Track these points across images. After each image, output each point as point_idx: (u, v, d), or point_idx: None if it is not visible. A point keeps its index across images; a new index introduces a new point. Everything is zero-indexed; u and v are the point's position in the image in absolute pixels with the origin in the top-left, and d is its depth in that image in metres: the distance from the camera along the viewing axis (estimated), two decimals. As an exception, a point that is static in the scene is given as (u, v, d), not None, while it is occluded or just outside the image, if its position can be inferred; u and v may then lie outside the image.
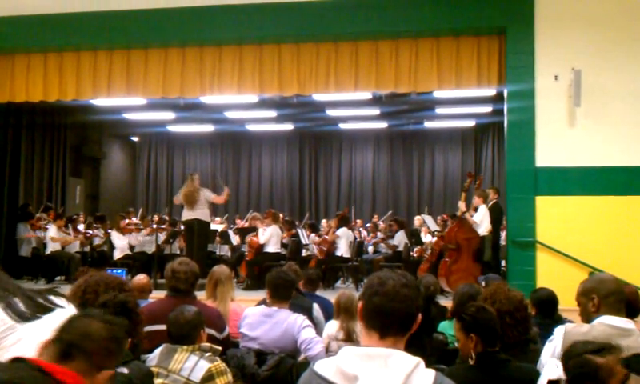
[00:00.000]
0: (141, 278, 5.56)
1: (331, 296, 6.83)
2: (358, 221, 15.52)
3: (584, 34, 8.69)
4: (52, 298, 2.47)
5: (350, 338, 4.25)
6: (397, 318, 1.97)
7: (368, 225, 15.03)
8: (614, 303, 3.00)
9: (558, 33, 8.77)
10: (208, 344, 3.28)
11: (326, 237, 11.55)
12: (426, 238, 12.32)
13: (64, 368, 1.78)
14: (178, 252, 12.12)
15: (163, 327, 3.47)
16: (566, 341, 2.88)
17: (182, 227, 11.11)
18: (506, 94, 9.11)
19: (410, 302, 1.99)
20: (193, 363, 3.08)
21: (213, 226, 11.74)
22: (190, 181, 10.44)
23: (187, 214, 10.26)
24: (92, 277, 2.85)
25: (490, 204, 9.88)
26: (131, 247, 11.81)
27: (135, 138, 20.32)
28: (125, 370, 2.55)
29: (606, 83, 8.57)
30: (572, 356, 2.38)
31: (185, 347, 3.16)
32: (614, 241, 8.42)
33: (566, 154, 8.69)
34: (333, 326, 4.55)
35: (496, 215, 9.59)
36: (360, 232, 13.87)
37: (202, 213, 10.22)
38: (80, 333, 1.87)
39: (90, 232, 12.36)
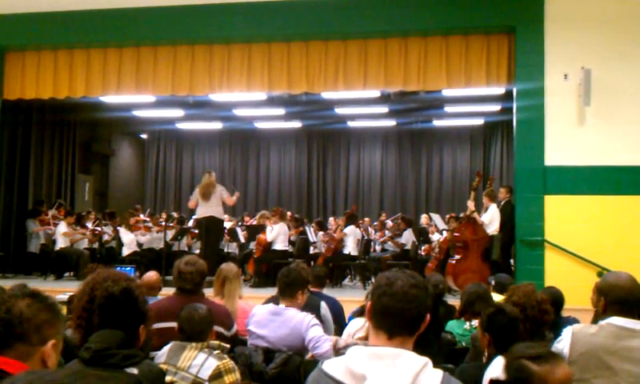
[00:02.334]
0: (151, 275, 5.50)
1: (338, 294, 6.86)
2: (366, 219, 15.52)
3: (594, 33, 8.65)
4: None
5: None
6: (405, 319, 1.98)
7: (375, 223, 15.02)
8: (619, 311, 2.97)
9: (568, 32, 8.74)
10: (217, 342, 3.29)
11: (334, 235, 11.56)
12: (434, 236, 12.30)
13: (3, 357, 1.73)
14: (186, 249, 12.16)
15: (171, 324, 3.49)
16: (574, 342, 2.88)
17: (191, 223, 11.16)
18: (515, 93, 9.08)
19: (419, 302, 1.99)
20: (201, 361, 3.10)
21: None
22: (207, 175, 10.49)
23: (202, 211, 10.27)
24: (99, 274, 2.86)
25: (501, 203, 9.84)
26: (139, 244, 11.86)
27: (144, 136, 20.38)
28: (135, 371, 2.54)
29: (615, 82, 8.54)
30: (512, 358, 2.31)
31: (194, 345, 3.17)
32: (623, 240, 8.39)
33: (575, 153, 8.66)
34: (358, 323, 4.53)
35: (508, 214, 9.50)
36: (368, 230, 13.86)
37: (216, 210, 10.24)
38: (8, 317, 1.80)
39: (99, 229, 12.41)
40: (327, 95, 11.91)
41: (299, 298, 4.32)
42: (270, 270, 10.35)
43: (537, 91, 8.77)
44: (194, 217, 10.91)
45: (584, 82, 8.37)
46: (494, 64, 9.25)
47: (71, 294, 4.25)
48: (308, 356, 4.02)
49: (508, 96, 10.29)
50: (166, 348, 3.24)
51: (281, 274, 4.33)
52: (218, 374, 3.05)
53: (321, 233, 12.52)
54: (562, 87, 8.69)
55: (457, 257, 9.51)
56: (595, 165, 8.57)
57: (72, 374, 1.23)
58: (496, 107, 14.19)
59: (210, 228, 10.21)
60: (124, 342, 2.61)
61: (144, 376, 2.56)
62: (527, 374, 2.21)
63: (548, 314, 3.42)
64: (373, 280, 10.79)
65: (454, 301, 6.01)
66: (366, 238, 12.21)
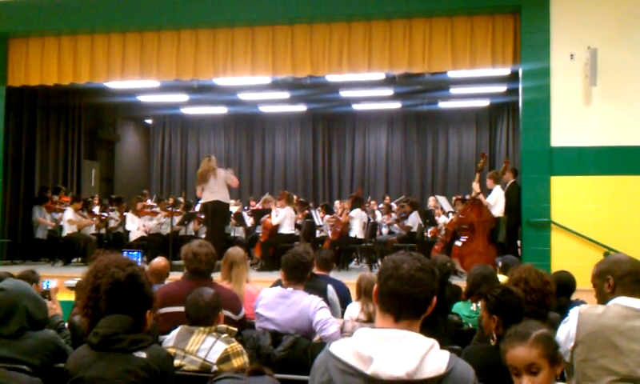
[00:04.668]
0: (159, 261, 5.44)
1: (345, 277, 6.87)
2: (372, 202, 15.51)
3: (600, 12, 8.58)
4: None
5: (371, 320, 4.27)
6: (411, 302, 1.99)
7: (381, 206, 15.01)
8: (629, 284, 2.98)
9: (574, 11, 8.67)
10: (224, 325, 3.30)
11: (340, 218, 11.57)
12: (440, 219, 12.31)
13: None
14: (193, 234, 12.20)
15: (180, 309, 3.50)
16: (581, 322, 2.88)
17: (198, 208, 11.14)
18: (520, 74, 9.04)
19: (425, 286, 2.00)
20: (210, 344, 3.11)
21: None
22: (205, 161, 10.43)
23: (207, 196, 10.22)
24: (101, 261, 2.87)
25: (507, 185, 9.81)
26: (146, 229, 11.89)
27: (149, 121, 20.39)
28: (143, 355, 2.57)
29: (622, 62, 8.47)
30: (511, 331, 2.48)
31: (202, 328, 3.18)
32: (630, 221, 8.38)
33: (581, 133, 8.62)
34: (354, 308, 4.57)
35: (515, 195, 9.46)
36: (374, 213, 13.86)
37: (221, 195, 10.20)
38: None
39: (105, 214, 12.45)
40: (332, 78, 11.87)
41: (305, 281, 4.34)
42: (277, 254, 10.37)
43: (543, 71, 8.72)
44: (200, 201, 10.87)
45: (590, 61, 8.32)
46: (499, 44, 9.19)
47: (79, 279, 4.28)
48: (315, 338, 4.04)
49: (514, 77, 10.23)
50: (175, 332, 3.25)
51: (286, 259, 4.33)
52: (225, 358, 3.07)
53: (327, 216, 12.53)
54: (568, 67, 8.64)
55: (463, 239, 9.50)
56: (602, 145, 8.54)
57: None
58: (502, 88, 14.12)
59: (216, 212, 10.19)
60: (132, 326, 2.64)
61: (152, 360, 2.58)
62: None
63: (550, 284, 3.47)
64: (379, 263, 10.81)
65: (460, 282, 6.02)
66: (372, 220, 12.21)
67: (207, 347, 3.10)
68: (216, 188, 10.15)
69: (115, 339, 2.56)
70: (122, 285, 2.69)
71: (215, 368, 3.02)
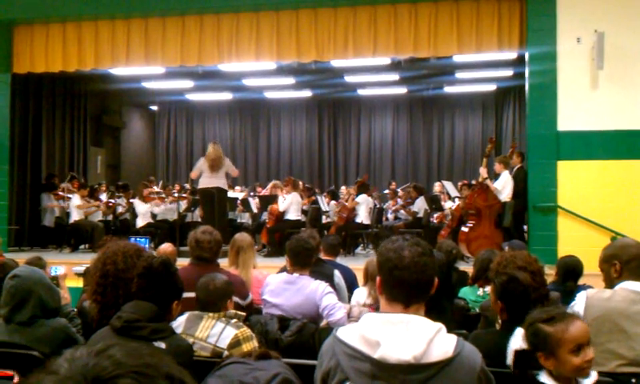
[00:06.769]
0: (166, 247, 5.50)
1: (351, 262, 6.89)
2: (374, 187, 15.48)
3: (607, -6, 8.51)
4: None
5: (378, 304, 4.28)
6: (420, 288, 2.01)
7: (386, 191, 14.99)
8: (636, 268, 2.98)
9: (581, -6, 8.60)
10: (233, 311, 3.31)
11: (346, 203, 11.57)
12: (447, 204, 12.29)
13: None
14: (199, 220, 12.21)
15: (188, 295, 3.52)
16: (588, 306, 2.89)
17: (201, 193, 11.10)
18: (527, 58, 8.98)
19: (430, 269, 2.02)
20: (219, 330, 3.11)
21: (233, 194, 11.76)
22: (215, 147, 10.25)
23: (207, 182, 10.11)
24: (109, 248, 2.88)
25: (514, 169, 9.78)
26: (153, 215, 11.92)
27: (154, 107, 20.37)
28: (162, 345, 2.57)
29: (629, 45, 8.41)
30: (528, 324, 2.39)
31: (211, 314, 3.18)
32: (637, 205, 8.35)
33: (588, 117, 8.58)
34: (361, 293, 4.58)
35: (521, 180, 9.42)
36: (380, 198, 13.84)
37: (222, 181, 10.19)
38: None
39: (113, 201, 12.49)
40: (337, 63, 11.84)
41: (310, 266, 4.34)
42: (283, 240, 10.37)
43: (549, 55, 8.66)
44: (199, 186, 10.68)
45: (597, 45, 8.26)
46: (505, 28, 9.13)
47: (87, 266, 4.30)
48: (322, 323, 4.05)
49: (520, 61, 10.17)
50: (183, 318, 3.24)
51: (289, 245, 4.34)
52: (236, 343, 3.07)
53: (333, 202, 12.52)
54: (575, 51, 8.58)
55: (469, 224, 9.49)
56: (609, 129, 8.49)
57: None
58: (508, 72, 14.05)
59: (219, 198, 10.18)
60: (155, 315, 2.64)
61: (172, 351, 2.57)
62: (543, 336, 2.29)
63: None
64: (379, 252, 10.80)
65: (466, 267, 6.02)
66: (378, 206, 12.20)
67: (217, 333, 3.11)
68: (219, 174, 10.13)
69: (137, 326, 2.57)
70: (154, 270, 2.71)
71: (226, 353, 3.03)
